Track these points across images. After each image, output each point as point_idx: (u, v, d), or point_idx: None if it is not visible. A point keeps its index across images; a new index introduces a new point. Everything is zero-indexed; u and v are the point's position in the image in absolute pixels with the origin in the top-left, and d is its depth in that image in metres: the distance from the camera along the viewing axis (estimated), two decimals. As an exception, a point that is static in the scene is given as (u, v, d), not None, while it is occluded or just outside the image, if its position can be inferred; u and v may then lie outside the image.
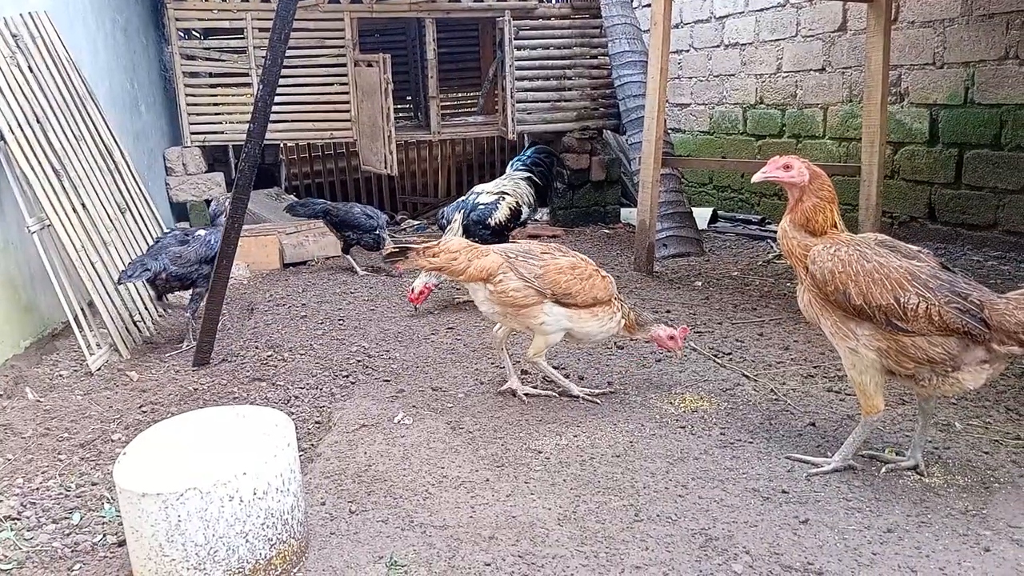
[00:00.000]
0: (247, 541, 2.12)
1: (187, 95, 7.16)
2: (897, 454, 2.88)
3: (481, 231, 5.04)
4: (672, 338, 3.52)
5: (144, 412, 3.58)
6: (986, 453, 2.90)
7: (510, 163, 5.68)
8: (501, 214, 5.09)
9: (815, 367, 3.83)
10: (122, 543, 2.45)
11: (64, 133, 4.66)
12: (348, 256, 6.29)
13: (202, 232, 4.64)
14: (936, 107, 6.31)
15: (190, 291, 4.51)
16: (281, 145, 8.15)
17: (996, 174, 5.91)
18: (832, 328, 2.65)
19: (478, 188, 5.38)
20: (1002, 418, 3.20)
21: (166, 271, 4.30)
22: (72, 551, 2.49)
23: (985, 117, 5.93)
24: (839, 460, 2.78)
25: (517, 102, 7.89)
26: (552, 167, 5.78)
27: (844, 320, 2.60)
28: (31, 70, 4.54)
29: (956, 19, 6.05)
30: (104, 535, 2.57)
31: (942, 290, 2.45)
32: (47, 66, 4.73)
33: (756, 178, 2.84)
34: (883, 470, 2.77)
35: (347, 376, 3.91)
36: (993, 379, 2.59)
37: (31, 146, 4.22)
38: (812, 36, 7.40)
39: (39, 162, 4.25)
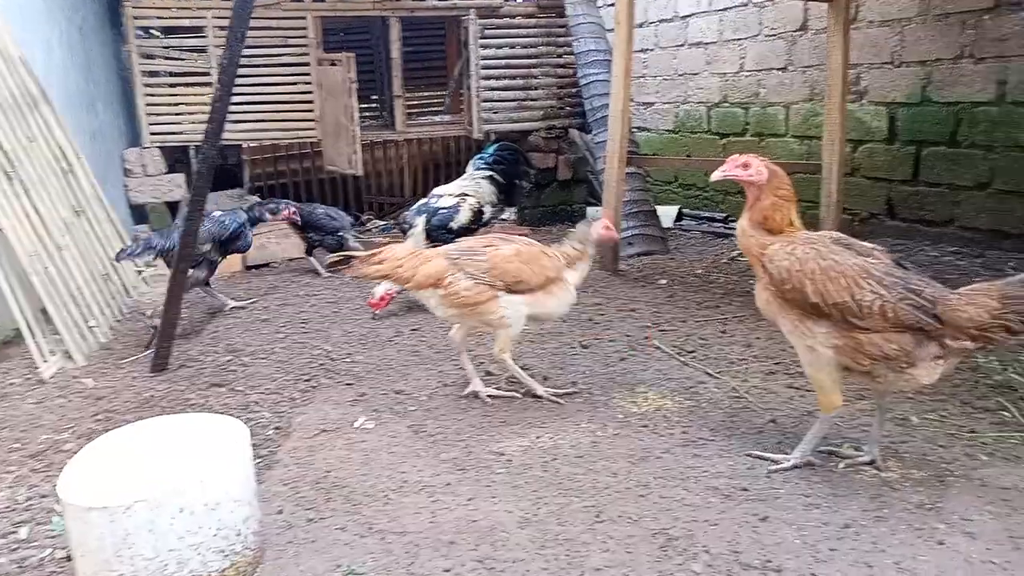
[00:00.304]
0: (199, 553, 2.07)
1: (146, 95, 7.03)
2: (855, 449, 2.91)
3: (444, 235, 4.98)
4: (607, 228, 3.63)
5: (98, 420, 3.50)
6: (941, 447, 2.94)
7: (471, 162, 5.63)
8: (463, 216, 5.04)
9: (776, 364, 3.86)
10: (71, 558, 2.38)
11: (15, 134, 4.54)
12: (311, 258, 6.22)
13: (218, 213, 5.04)
14: (894, 105, 6.40)
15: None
16: (244, 145, 8.03)
17: (952, 171, 6.01)
18: (790, 326, 2.67)
19: (438, 190, 5.31)
20: (957, 412, 3.25)
21: (175, 249, 4.31)
22: (19, 567, 2.42)
23: (942, 115, 6.03)
24: (798, 456, 2.80)
25: (483, 101, 7.87)
26: (516, 164, 5.69)
27: (802, 318, 2.61)
28: (-21, 70, 4.42)
29: (913, 19, 6.14)
30: (53, 549, 2.49)
31: (896, 287, 2.47)
32: (-4, 66, 4.61)
33: (715, 176, 2.85)
34: (841, 465, 2.80)
35: (308, 380, 3.85)
36: (948, 374, 2.61)
37: (-21, 148, 4.11)
38: (774, 35, 7.47)
39: (-12, 165, 4.14)
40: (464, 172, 5.66)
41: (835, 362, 2.60)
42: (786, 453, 2.87)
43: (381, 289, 4.77)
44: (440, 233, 4.99)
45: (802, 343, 2.64)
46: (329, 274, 6.08)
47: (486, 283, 3.31)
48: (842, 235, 2.72)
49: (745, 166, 2.74)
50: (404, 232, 5.25)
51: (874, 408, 3.14)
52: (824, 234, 2.73)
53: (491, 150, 5.66)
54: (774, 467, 2.79)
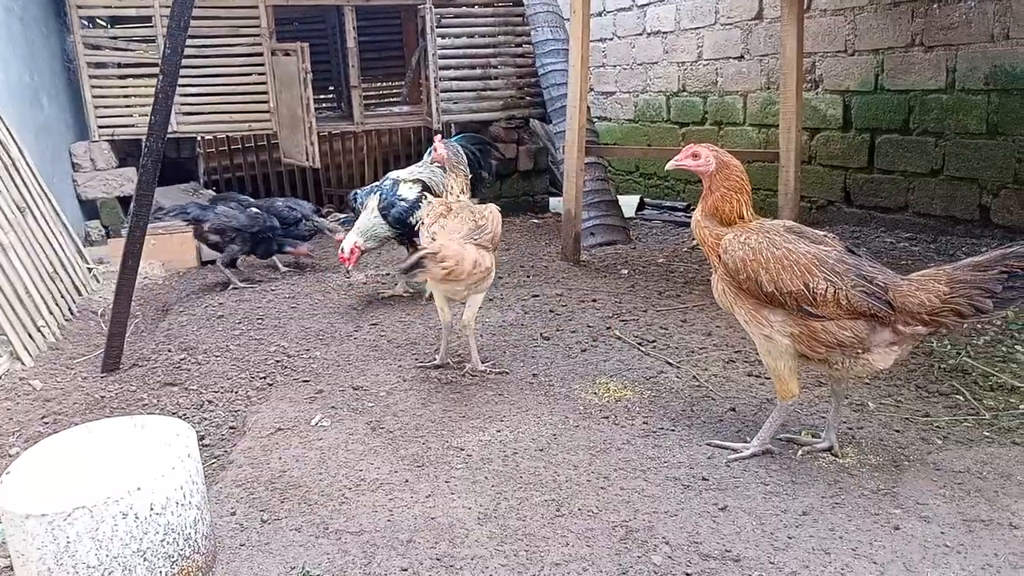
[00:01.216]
0: (145, 560, 2.00)
1: (93, 87, 6.83)
2: (813, 436, 2.93)
3: (401, 228, 4.92)
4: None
5: (46, 423, 3.39)
6: (897, 432, 2.97)
7: (428, 150, 5.49)
8: (415, 215, 4.91)
9: (736, 352, 3.88)
10: (12, 567, 2.30)
11: (-48, 129, 4.37)
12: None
13: (255, 210, 5.55)
14: (849, 94, 6.47)
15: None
16: (198, 138, 7.85)
17: (906, 158, 6.10)
18: (746, 316, 2.68)
19: (394, 175, 5.15)
20: (912, 396, 3.29)
21: (208, 221, 5.26)
22: (-41, 577, 2.33)
23: (895, 103, 6.11)
24: (757, 445, 2.81)
25: (442, 91, 7.79)
26: (483, 157, 5.56)
27: (757, 307, 2.62)
28: (-89, 61, 4.23)
29: (865, 7, 6.21)
30: (-5, 558, 2.41)
31: (849, 274, 2.49)
32: (-70, 57, 4.42)
33: (669, 166, 2.87)
34: (799, 453, 2.81)
35: (264, 378, 3.78)
36: (902, 359, 2.64)
37: (-87, 143, 3.94)
38: (731, 24, 7.50)
39: (-78, 160, 3.97)
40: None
41: (792, 350, 2.62)
42: (746, 441, 2.88)
43: (348, 243, 4.79)
44: (399, 227, 4.91)
45: (759, 332, 2.66)
46: (287, 269, 5.97)
47: (490, 250, 3.55)
48: (795, 224, 2.73)
49: (695, 156, 2.76)
50: (355, 211, 5.15)
51: (831, 395, 3.18)
52: (777, 223, 2.73)
53: (454, 139, 5.54)
54: (733, 456, 2.80)
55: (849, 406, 3.19)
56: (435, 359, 3.86)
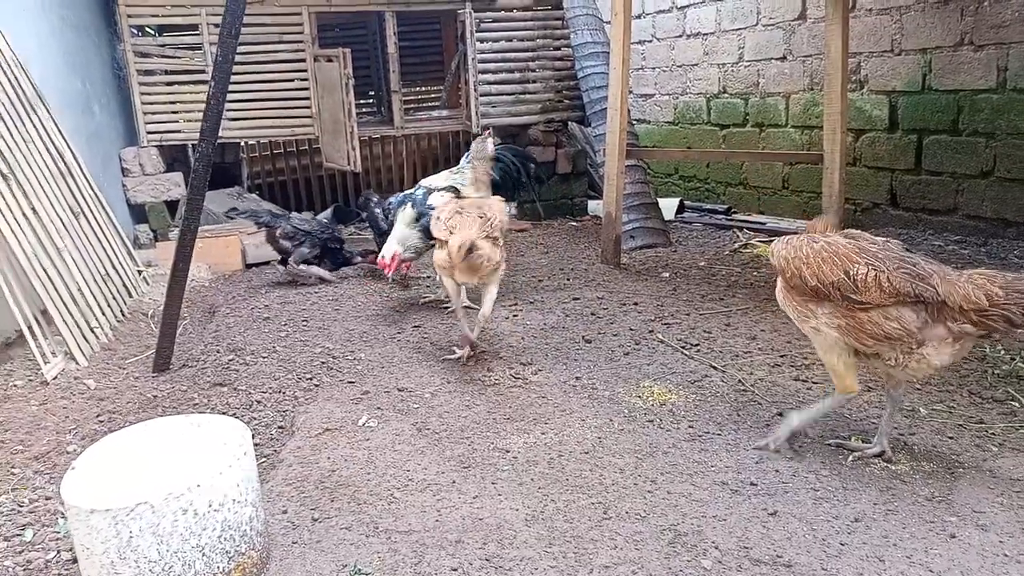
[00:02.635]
0: (204, 555, 2.05)
1: (142, 94, 6.99)
2: (863, 442, 2.89)
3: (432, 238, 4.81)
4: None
5: (101, 421, 3.48)
6: (950, 438, 2.92)
7: (465, 154, 5.39)
8: None
9: (782, 356, 3.84)
10: (76, 560, 2.37)
11: (12, 136, 4.50)
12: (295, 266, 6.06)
13: (324, 219, 6.20)
14: (895, 94, 6.37)
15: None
16: (242, 143, 8.00)
17: (955, 159, 5.98)
18: (795, 313, 2.72)
19: (426, 183, 5.10)
20: (965, 402, 3.23)
21: (280, 227, 5.62)
22: (24, 569, 2.40)
23: (943, 103, 6.00)
24: (798, 420, 2.82)
25: (481, 95, 7.82)
26: (521, 168, 5.45)
27: (804, 303, 2.66)
28: (-26, 71, 4.38)
29: (912, 6, 6.10)
30: (58, 551, 2.48)
31: (892, 259, 2.49)
32: (-9, 66, 4.57)
33: None
34: (851, 459, 2.78)
35: (311, 379, 3.83)
36: (959, 357, 2.56)
37: (-25, 150, 4.08)
38: (772, 25, 7.43)
39: (-15, 166, 4.11)
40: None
41: (842, 344, 2.60)
42: (792, 448, 2.85)
43: (389, 251, 4.81)
44: (431, 237, 4.77)
45: (808, 326, 2.69)
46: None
47: (499, 241, 3.84)
48: (855, 231, 2.73)
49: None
50: (387, 217, 5.13)
51: (883, 399, 3.13)
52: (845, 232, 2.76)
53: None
54: (781, 431, 2.85)
55: (900, 412, 3.14)
56: (454, 352, 4.06)
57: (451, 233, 3.69)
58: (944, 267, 2.51)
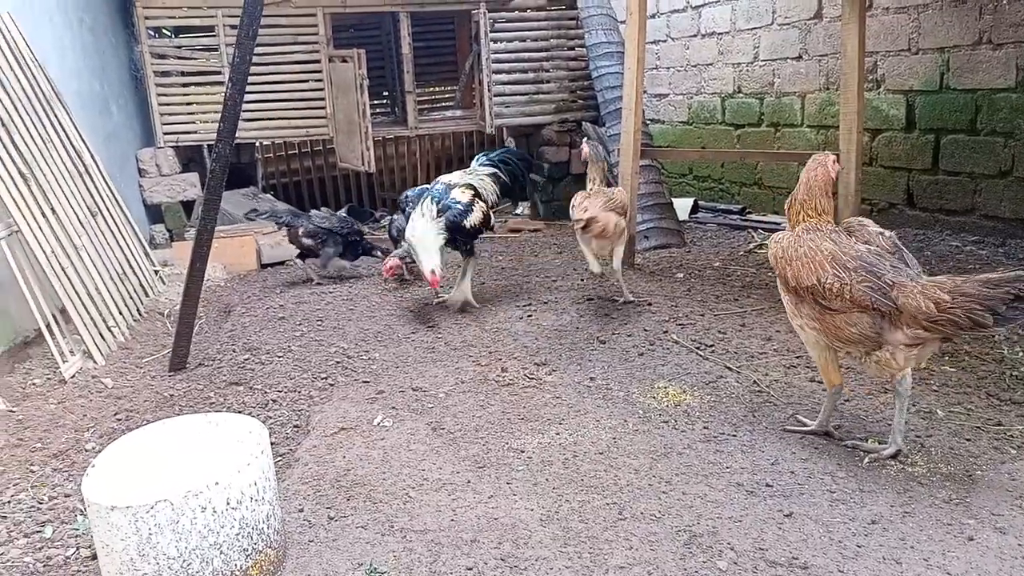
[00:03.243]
0: (221, 552, 2.07)
1: (159, 95, 7.05)
2: (879, 443, 2.87)
3: (454, 232, 4.79)
4: None
5: (119, 420, 3.51)
6: (968, 440, 2.89)
7: (476, 157, 5.38)
8: (475, 218, 4.82)
9: (797, 357, 3.82)
10: (95, 556, 2.39)
11: (31, 136, 4.56)
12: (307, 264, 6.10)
13: (343, 214, 6.26)
14: (912, 93, 6.32)
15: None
16: (257, 144, 8.05)
17: (972, 159, 5.93)
18: (787, 308, 2.87)
19: (444, 179, 5.06)
20: (983, 404, 3.20)
21: (301, 226, 5.72)
22: (44, 566, 2.43)
23: (961, 102, 5.95)
24: (816, 426, 2.98)
25: (495, 95, 7.84)
26: (523, 172, 5.42)
27: (791, 301, 2.82)
28: (-6, 72, 4.43)
29: (930, 5, 6.06)
30: (77, 548, 2.51)
31: (860, 271, 2.58)
32: (12, 68, 4.62)
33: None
34: (866, 461, 2.76)
35: (326, 378, 3.85)
36: (924, 358, 2.66)
37: (-4, 150, 4.13)
38: (788, 24, 7.39)
39: (5, 166, 4.15)
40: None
41: (822, 342, 2.74)
42: (808, 449, 2.85)
43: (431, 266, 4.69)
44: (454, 231, 4.78)
45: (794, 324, 2.85)
46: (319, 281, 5.95)
47: (623, 215, 4.69)
48: (858, 220, 2.86)
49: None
50: (402, 210, 5.11)
51: (895, 396, 3.12)
52: (850, 220, 2.86)
53: (498, 152, 5.45)
54: (801, 429, 3.00)
55: (917, 413, 3.12)
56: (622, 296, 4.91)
57: (585, 210, 4.50)
58: (911, 274, 2.58)
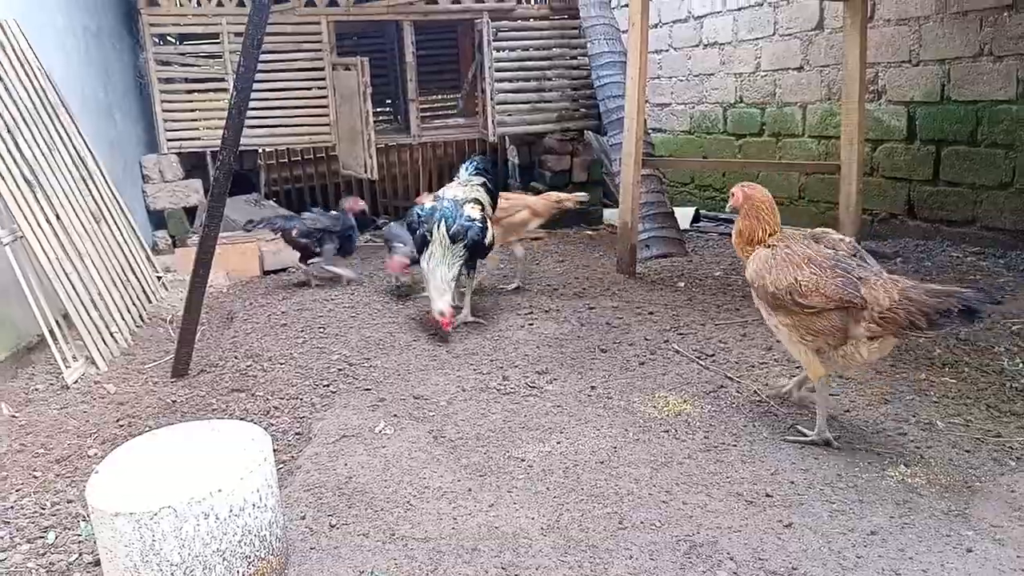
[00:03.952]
0: (224, 559, 2.08)
1: (163, 101, 7.08)
2: (877, 455, 2.89)
3: (474, 250, 4.62)
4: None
5: (121, 426, 3.52)
6: (967, 452, 2.91)
7: (464, 167, 5.22)
8: (489, 235, 4.67)
9: (798, 367, 3.81)
10: (98, 562, 2.40)
11: (36, 143, 4.59)
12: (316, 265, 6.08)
13: (335, 212, 6.17)
14: (913, 104, 6.35)
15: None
16: (260, 151, 8.07)
17: (973, 170, 5.95)
18: (764, 314, 3.09)
19: (448, 195, 4.81)
20: (983, 415, 3.21)
21: (295, 228, 5.74)
22: (47, 571, 2.44)
23: (961, 114, 5.97)
24: (817, 434, 3.03)
25: (497, 104, 7.87)
26: (497, 183, 5.43)
27: (766, 308, 3.05)
28: (0, 80, 4.46)
29: (931, 17, 6.09)
30: (80, 554, 2.52)
31: (834, 268, 2.81)
32: (17, 75, 4.65)
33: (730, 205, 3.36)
34: (790, 437, 3.05)
35: (328, 385, 3.86)
36: (884, 352, 2.85)
37: (2, 157, 4.15)
38: (790, 35, 7.43)
39: (10, 173, 4.18)
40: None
41: (796, 337, 2.94)
42: (808, 459, 2.86)
43: (443, 306, 4.45)
44: (474, 249, 4.60)
45: (771, 323, 3.05)
46: (319, 283, 5.98)
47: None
48: (820, 231, 3.10)
49: (732, 194, 3.24)
50: (413, 233, 4.73)
51: (899, 413, 3.14)
52: (797, 233, 3.10)
53: (477, 159, 5.33)
54: (802, 439, 3.06)
55: (917, 425, 3.14)
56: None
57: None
58: (876, 272, 2.81)
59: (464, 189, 4.93)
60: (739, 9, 7.98)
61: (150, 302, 5.43)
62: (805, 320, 2.85)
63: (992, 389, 3.45)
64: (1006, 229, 5.78)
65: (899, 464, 2.82)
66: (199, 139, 7.23)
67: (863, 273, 2.79)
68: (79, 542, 2.58)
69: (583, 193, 5.93)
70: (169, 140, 7.14)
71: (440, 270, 4.48)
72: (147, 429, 3.36)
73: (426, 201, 4.87)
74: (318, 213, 6.08)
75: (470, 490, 2.76)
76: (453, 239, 4.48)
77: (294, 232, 5.78)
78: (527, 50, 7.97)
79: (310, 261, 5.91)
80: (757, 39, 7.82)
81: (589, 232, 7.84)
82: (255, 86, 7.12)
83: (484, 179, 5.07)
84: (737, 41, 8.09)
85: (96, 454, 3.23)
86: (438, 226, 4.51)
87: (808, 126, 7.40)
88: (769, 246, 3.05)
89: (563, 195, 5.66)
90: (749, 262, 3.10)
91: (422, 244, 4.58)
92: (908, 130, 6.42)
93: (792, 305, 2.85)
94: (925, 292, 2.63)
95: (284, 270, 6.52)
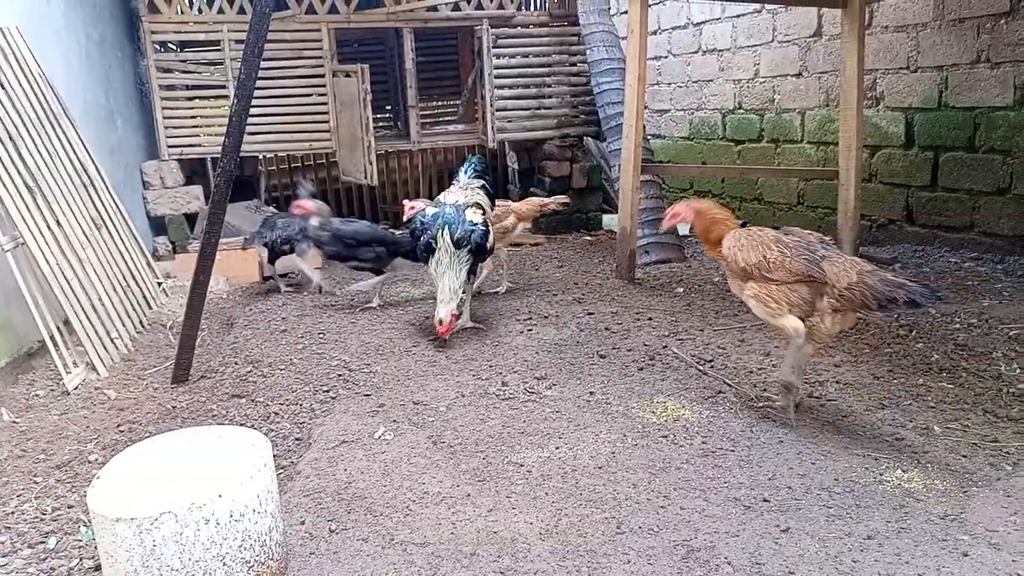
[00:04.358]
0: (224, 564, 2.09)
1: (164, 108, 7.11)
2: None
3: (479, 254, 4.66)
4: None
5: (122, 431, 3.54)
6: (964, 457, 2.92)
7: (462, 170, 5.25)
8: (491, 238, 4.74)
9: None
10: (99, 567, 2.41)
11: (38, 150, 4.61)
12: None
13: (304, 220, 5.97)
14: (911, 111, 6.37)
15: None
16: (260, 157, 8.11)
17: (971, 176, 5.97)
18: (736, 288, 3.36)
19: (451, 200, 4.80)
20: (980, 421, 3.22)
21: (276, 236, 5.88)
22: (48, 577, 2.45)
23: (959, 120, 6.00)
24: (785, 376, 3.32)
25: (497, 110, 7.90)
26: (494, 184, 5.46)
27: (741, 282, 3.30)
28: (2, 87, 4.49)
29: (929, 24, 6.12)
30: (80, 559, 2.53)
31: (798, 247, 3.14)
32: (19, 82, 4.68)
33: (663, 227, 4.08)
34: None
35: (327, 391, 3.88)
36: (846, 326, 3.16)
37: (4, 164, 4.18)
38: (788, 41, 7.46)
39: (12, 180, 4.20)
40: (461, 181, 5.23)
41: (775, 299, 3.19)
42: (806, 464, 2.87)
43: (444, 313, 4.47)
44: (479, 253, 4.64)
45: (746, 296, 3.28)
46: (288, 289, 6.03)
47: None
48: (786, 227, 3.39)
49: (675, 215, 3.60)
50: (417, 240, 4.67)
51: (899, 418, 3.15)
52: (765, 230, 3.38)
53: (474, 160, 5.35)
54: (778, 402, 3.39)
55: (914, 430, 3.15)
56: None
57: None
58: (834, 252, 3.13)
59: (465, 193, 4.95)
60: (738, 16, 8.02)
61: (150, 308, 5.44)
62: (771, 290, 3.17)
63: (989, 394, 3.46)
64: (1004, 235, 5.80)
65: (896, 469, 2.84)
66: (200, 145, 7.27)
67: (826, 253, 3.11)
68: (80, 547, 2.59)
69: (563, 196, 6.14)
70: (170, 146, 7.17)
71: (448, 276, 4.50)
72: (147, 435, 3.37)
73: (426, 207, 4.88)
74: (286, 219, 5.98)
75: (469, 495, 2.78)
76: (458, 245, 4.50)
77: (273, 244, 5.90)
78: (527, 57, 8.01)
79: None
80: (756, 46, 7.86)
81: (588, 238, 7.87)
82: (256, 93, 7.16)
83: (483, 182, 5.13)
84: (736, 48, 8.12)
85: (96, 460, 3.24)
86: (442, 233, 4.52)
87: (807, 132, 7.43)
88: (735, 234, 3.37)
89: (546, 199, 5.91)
90: (724, 248, 3.37)
91: (427, 251, 4.60)
92: (906, 136, 6.44)
93: (761, 279, 3.19)
94: (880, 280, 2.92)
95: (284, 276, 6.53)
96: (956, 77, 5.98)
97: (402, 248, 5.43)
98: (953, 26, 5.94)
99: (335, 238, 5.39)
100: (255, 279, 6.46)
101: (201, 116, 7.29)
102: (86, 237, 4.81)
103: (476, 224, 4.61)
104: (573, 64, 8.14)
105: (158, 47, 7.22)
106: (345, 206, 9.12)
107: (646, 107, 9.36)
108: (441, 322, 4.44)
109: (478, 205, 4.82)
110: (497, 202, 5.48)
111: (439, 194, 5.17)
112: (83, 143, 5.30)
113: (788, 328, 3.15)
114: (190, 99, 7.31)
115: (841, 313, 3.06)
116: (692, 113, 8.98)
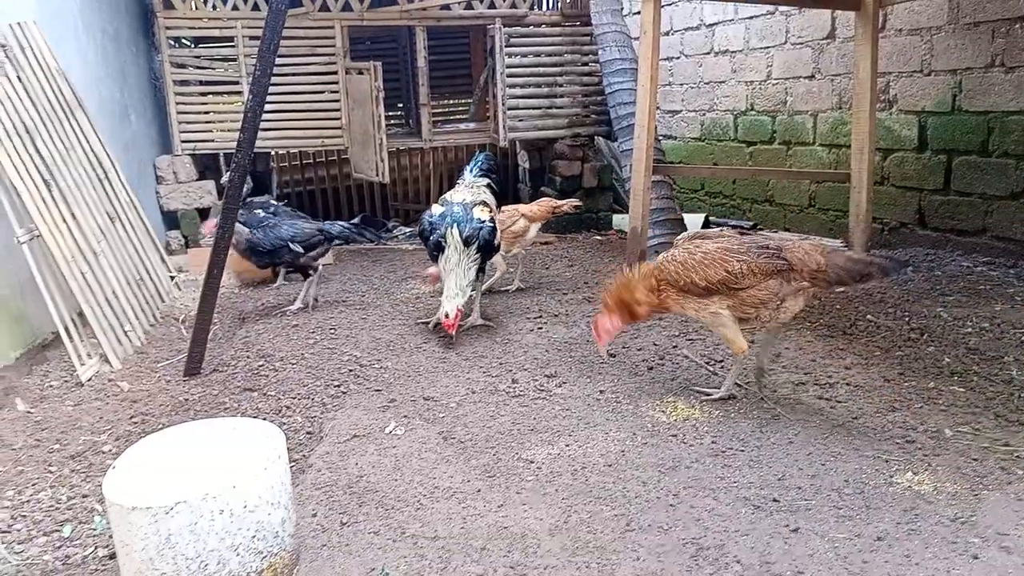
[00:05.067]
0: (238, 554, 2.11)
1: (177, 103, 7.16)
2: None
3: (487, 252, 4.69)
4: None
5: (135, 423, 3.57)
6: (975, 460, 2.91)
7: (468, 168, 5.31)
8: (498, 235, 4.80)
9: (806, 374, 3.84)
10: (113, 556, 2.44)
11: (54, 143, 4.65)
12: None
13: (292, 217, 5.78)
14: (924, 114, 6.35)
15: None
16: (272, 153, 8.15)
17: (984, 180, 5.95)
18: (695, 307, 3.37)
19: (458, 199, 4.82)
20: (991, 424, 3.22)
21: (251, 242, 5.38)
22: (63, 564, 2.48)
23: (973, 124, 5.97)
24: (724, 391, 3.54)
25: (508, 109, 7.92)
26: (498, 182, 5.51)
27: (700, 299, 3.34)
28: (20, 80, 4.53)
29: (943, 27, 6.10)
30: (95, 548, 2.56)
31: (751, 250, 3.26)
32: (36, 76, 4.72)
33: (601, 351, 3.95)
34: (701, 400, 3.50)
35: (338, 386, 3.90)
36: (807, 303, 3.40)
37: (20, 156, 4.22)
38: (801, 44, 7.44)
39: (28, 173, 4.24)
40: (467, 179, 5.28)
41: (732, 317, 3.33)
42: (816, 464, 2.87)
43: (451, 308, 4.48)
44: (487, 251, 4.68)
45: (706, 313, 3.35)
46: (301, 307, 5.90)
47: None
48: (696, 233, 3.59)
49: (606, 332, 3.60)
50: (425, 238, 4.72)
51: (906, 420, 3.15)
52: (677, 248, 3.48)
53: (481, 158, 5.41)
54: (707, 397, 3.55)
55: (925, 433, 3.14)
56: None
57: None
58: (783, 240, 3.33)
59: (471, 191, 5.03)
60: (751, 18, 8.00)
61: (163, 301, 5.48)
62: (742, 298, 3.25)
63: (1001, 398, 3.45)
64: (1017, 239, 5.77)
65: (907, 471, 2.83)
66: (213, 141, 7.31)
67: (780, 243, 3.29)
68: (94, 536, 2.62)
69: (576, 200, 6.12)
70: (183, 141, 7.22)
71: (456, 273, 4.52)
72: (160, 426, 3.40)
73: (434, 208, 4.89)
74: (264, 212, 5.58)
75: (479, 491, 2.79)
76: (467, 243, 4.53)
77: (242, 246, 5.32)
78: (539, 56, 8.03)
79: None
80: (768, 47, 7.84)
81: (598, 237, 7.87)
82: (270, 89, 7.23)
83: (488, 179, 5.20)
84: (748, 49, 8.10)
85: (110, 450, 3.27)
86: (451, 231, 4.55)
87: (819, 134, 7.41)
88: (658, 264, 3.43)
89: (559, 202, 5.88)
90: (661, 268, 3.40)
91: (436, 250, 4.62)
92: (919, 140, 6.42)
93: (727, 291, 3.26)
94: (847, 259, 3.25)
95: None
96: (970, 81, 5.95)
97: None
98: (967, 30, 5.92)
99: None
100: (266, 275, 6.49)
101: (214, 112, 7.34)
102: (101, 230, 4.84)
103: (484, 222, 4.64)
104: (585, 64, 8.15)
105: (172, 43, 7.27)
106: (356, 203, 9.15)
107: (658, 108, 9.35)
108: (447, 315, 4.47)
109: (484, 203, 4.86)
110: (505, 208, 5.48)
111: (446, 192, 5.21)
112: (98, 137, 5.34)
113: (737, 349, 3.38)
114: (203, 95, 7.36)
115: (802, 293, 3.25)
116: (704, 114, 8.96)
